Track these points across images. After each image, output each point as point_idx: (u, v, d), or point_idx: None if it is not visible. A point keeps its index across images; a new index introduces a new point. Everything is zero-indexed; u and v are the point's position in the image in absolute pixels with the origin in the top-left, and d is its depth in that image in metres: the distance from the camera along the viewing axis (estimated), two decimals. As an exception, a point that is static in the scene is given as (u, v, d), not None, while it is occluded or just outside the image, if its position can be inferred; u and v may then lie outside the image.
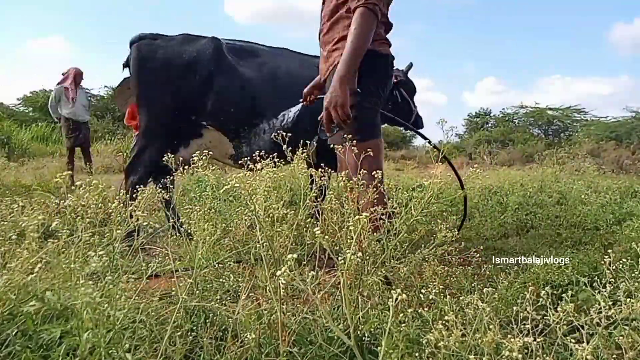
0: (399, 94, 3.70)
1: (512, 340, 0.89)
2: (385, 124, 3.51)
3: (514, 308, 1.09)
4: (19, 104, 19.40)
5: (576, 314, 0.99)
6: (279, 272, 0.90)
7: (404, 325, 1.16)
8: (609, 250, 1.23)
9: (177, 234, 1.86)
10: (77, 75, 6.61)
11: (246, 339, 1.14)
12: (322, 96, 1.90)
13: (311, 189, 1.65)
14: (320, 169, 1.63)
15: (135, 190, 1.68)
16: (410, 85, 3.87)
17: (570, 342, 0.95)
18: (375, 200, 1.47)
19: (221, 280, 1.64)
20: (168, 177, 2.05)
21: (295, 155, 1.81)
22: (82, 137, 6.76)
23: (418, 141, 20.97)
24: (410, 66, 3.89)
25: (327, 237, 1.25)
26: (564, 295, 1.06)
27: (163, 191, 1.81)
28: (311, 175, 1.63)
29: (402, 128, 3.96)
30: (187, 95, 2.82)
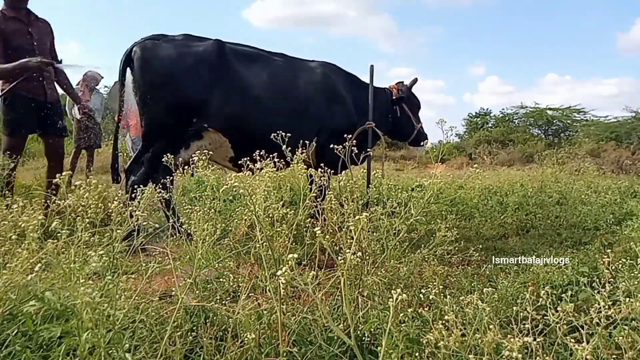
0: (399, 109, 3.66)
1: (512, 340, 0.89)
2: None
3: (514, 308, 1.09)
4: (19, 104, 19.38)
5: (576, 314, 0.99)
6: (279, 272, 0.90)
7: (404, 325, 1.16)
8: (609, 250, 1.23)
9: (177, 234, 1.85)
10: (89, 79, 6.57)
11: (246, 339, 1.14)
12: None
13: (311, 189, 1.65)
14: (320, 170, 1.63)
15: (135, 191, 1.68)
16: (413, 100, 3.81)
17: (570, 342, 0.94)
18: None
19: (221, 280, 1.64)
20: (168, 177, 2.05)
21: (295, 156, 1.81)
22: (86, 140, 6.72)
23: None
24: (414, 81, 3.84)
25: (327, 236, 1.25)
26: (564, 295, 1.06)
27: (163, 191, 1.81)
28: (311, 176, 1.63)
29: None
30: (190, 97, 2.82)
